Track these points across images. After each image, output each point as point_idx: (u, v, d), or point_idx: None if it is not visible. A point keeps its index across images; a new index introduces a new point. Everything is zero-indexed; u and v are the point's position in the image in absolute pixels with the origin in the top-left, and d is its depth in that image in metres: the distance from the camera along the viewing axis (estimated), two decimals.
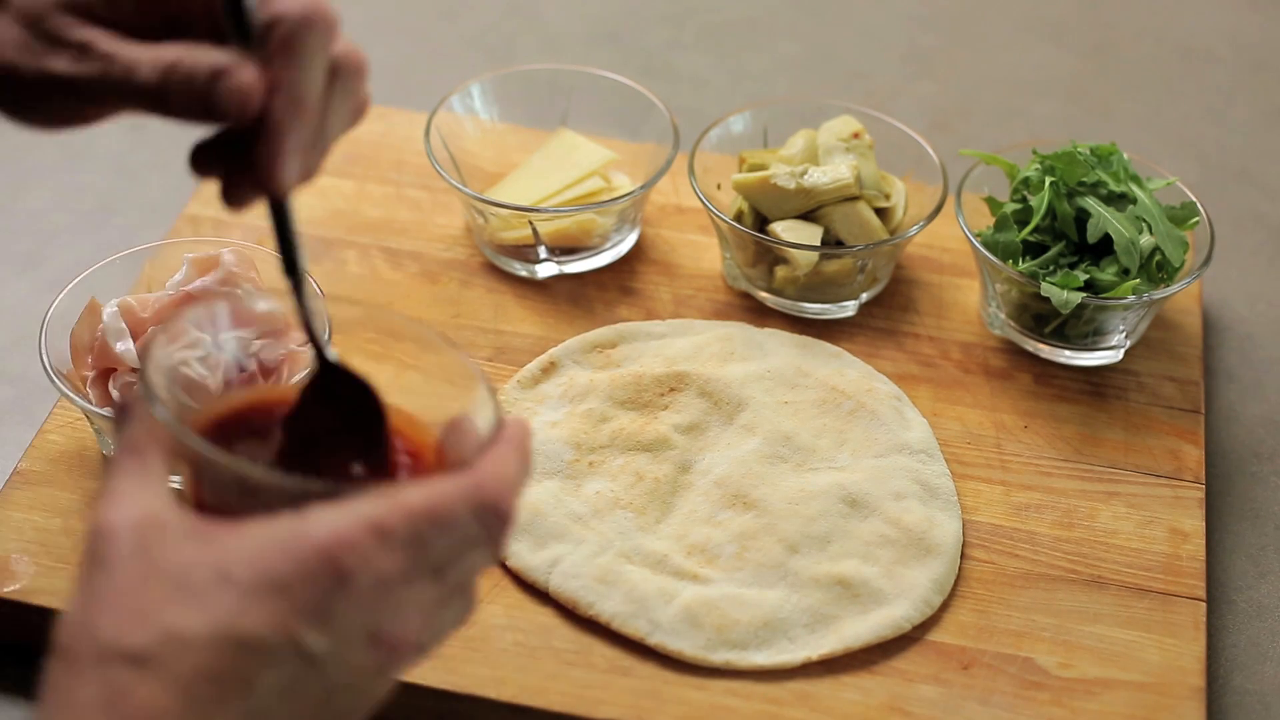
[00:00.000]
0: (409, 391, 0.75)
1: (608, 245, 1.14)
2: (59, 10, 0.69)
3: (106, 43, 0.68)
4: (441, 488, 0.65)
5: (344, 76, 0.74)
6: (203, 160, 0.71)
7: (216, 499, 0.69)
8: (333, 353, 0.74)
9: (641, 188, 1.11)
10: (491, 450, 0.69)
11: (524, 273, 1.14)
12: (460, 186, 1.11)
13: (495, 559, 0.69)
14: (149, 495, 0.65)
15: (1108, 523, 0.99)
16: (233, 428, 0.73)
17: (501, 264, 1.14)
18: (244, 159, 0.69)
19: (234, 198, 0.71)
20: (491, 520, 0.66)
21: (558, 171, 1.15)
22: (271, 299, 0.97)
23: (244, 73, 0.67)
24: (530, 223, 1.11)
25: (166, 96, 0.67)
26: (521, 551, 0.94)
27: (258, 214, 1.17)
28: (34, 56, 0.68)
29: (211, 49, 0.68)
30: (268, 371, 0.96)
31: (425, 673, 0.88)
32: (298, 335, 0.98)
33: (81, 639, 0.63)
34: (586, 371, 1.06)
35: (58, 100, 0.70)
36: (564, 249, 1.13)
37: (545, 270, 1.13)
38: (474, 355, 1.08)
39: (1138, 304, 1.04)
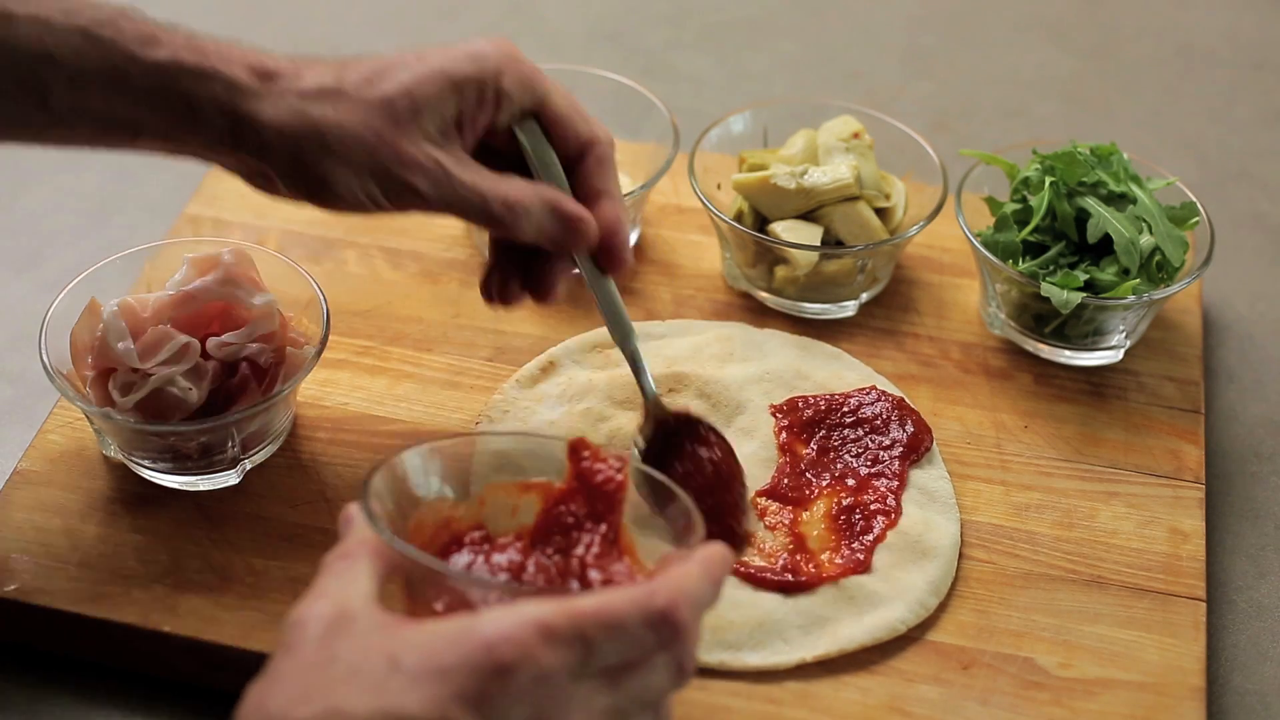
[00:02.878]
0: None
1: None
2: (420, 133, 0.85)
3: (461, 170, 0.85)
4: (614, 594, 0.70)
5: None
6: (498, 284, 0.92)
7: (421, 602, 0.75)
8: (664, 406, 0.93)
9: (641, 187, 1.11)
10: (677, 565, 0.74)
11: None
12: None
13: (679, 675, 0.72)
14: (348, 593, 0.72)
15: (1108, 523, 0.99)
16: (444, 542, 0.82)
17: None
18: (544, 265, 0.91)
19: (544, 296, 0.93)
20: (664, 630, 0.70)
21: None
22: (266, 296, 0.97)
23: (585, 217, 0.89)
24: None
25: (514, 224, 0.87)
26: None
27: (256, 214, 1.18)
28: (398, 170, 0.84)
29: (546, 187, 0.88)
30: (261, 375, 0.96)
31: None
32: (293, 337, 0.99)
33: (254, 713, 0.68)
34: (585, 371, 1.06)
35: (405, 207, 0.86)
36: None
37: None
38: (474, 355, 1.08)
39: (1138, 304, 1.04)
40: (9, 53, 0.82)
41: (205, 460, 0.96)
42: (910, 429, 1.01)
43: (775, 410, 1.02)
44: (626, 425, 1.01)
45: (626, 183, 1.16)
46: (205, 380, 0.95)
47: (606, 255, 0.91)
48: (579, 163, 0.91)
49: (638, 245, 1.17)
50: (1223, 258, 1.20)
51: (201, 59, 0.84)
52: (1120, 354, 1.09)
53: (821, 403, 1.02)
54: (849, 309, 1.12)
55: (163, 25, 0.85)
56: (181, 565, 0.94)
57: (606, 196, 0.91)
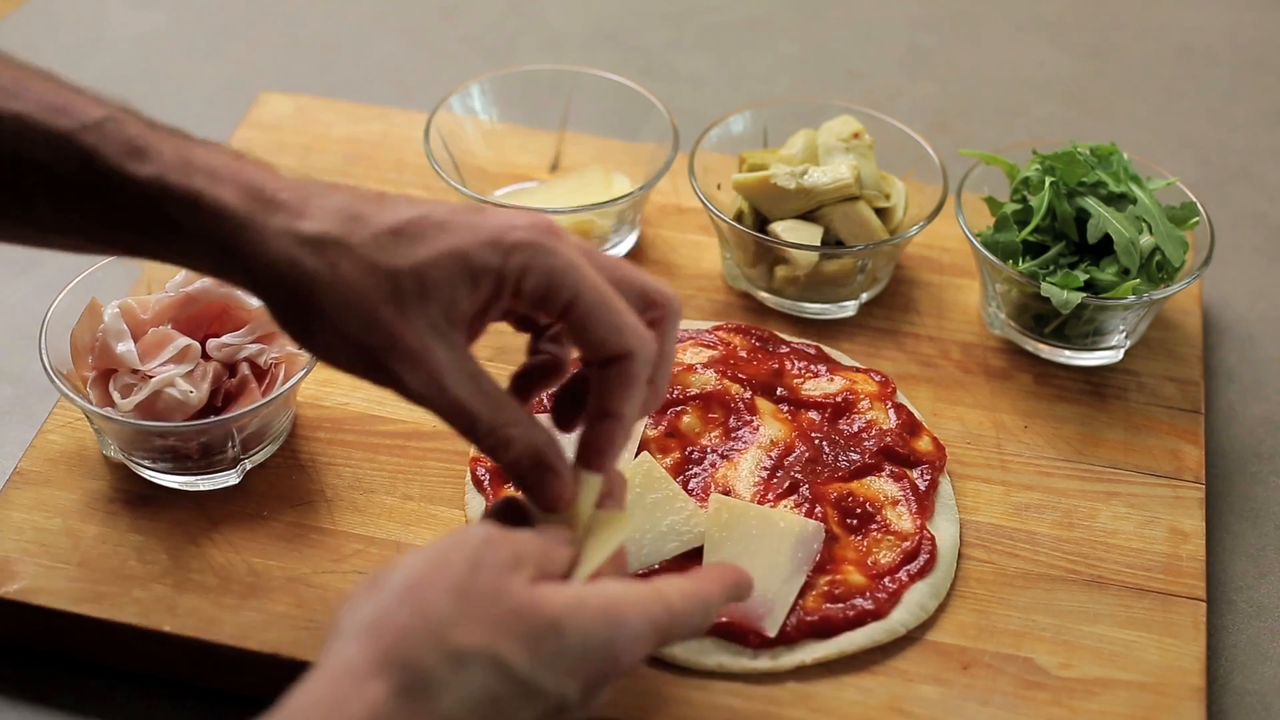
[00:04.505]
0: None
1: (607, 246, 1.14)
2: (423, 320, 0.75)
3: (456, 377, 0.76)
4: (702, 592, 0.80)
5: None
6: (563, 412, 0.85)
7: None
8: None
9: (641, 188, 1.11)
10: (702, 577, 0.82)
11: None
12: (459, 187, 1.11)
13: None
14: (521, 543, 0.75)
15: (1108, 523, 0.99)
16: None
17: None
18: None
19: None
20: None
21: (578, 196, 1.14)
22: None
23: (562, 478, 0.79)
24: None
25: (493, 454, 0.78)
26: None
27: None
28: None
29: (539, 429, 0.79)
30: (261, 375, 0.96)
31: None
32: None
33: (405, 612, 0.70)
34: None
35: (388, 389, 0.78)
36: None
37: None
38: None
39: (1138, 304, 1.04)
40: None
41: (205, 460, 0.96)
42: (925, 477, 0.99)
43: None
44: None
45: (626, 183, 1.16)
46: (205, 381, 0.95)
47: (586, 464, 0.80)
48: (603, 370, 0.78)
49: (638, 245, 1.17)
50: (1223, 258, 1.20)
51: (188, 180, 0.75)
52: (1120, 354, 1.09)
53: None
54: (849, 309, 1.12)
55: (157, 132, 0.77)
56: (181, 565, 0.94)
57: (610, 419, 0.79)
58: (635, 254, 1.16)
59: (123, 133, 0.76)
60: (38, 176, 0.76)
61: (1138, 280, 1.03)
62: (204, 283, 0.97)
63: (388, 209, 0.76)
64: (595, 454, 0.79)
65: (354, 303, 0.74)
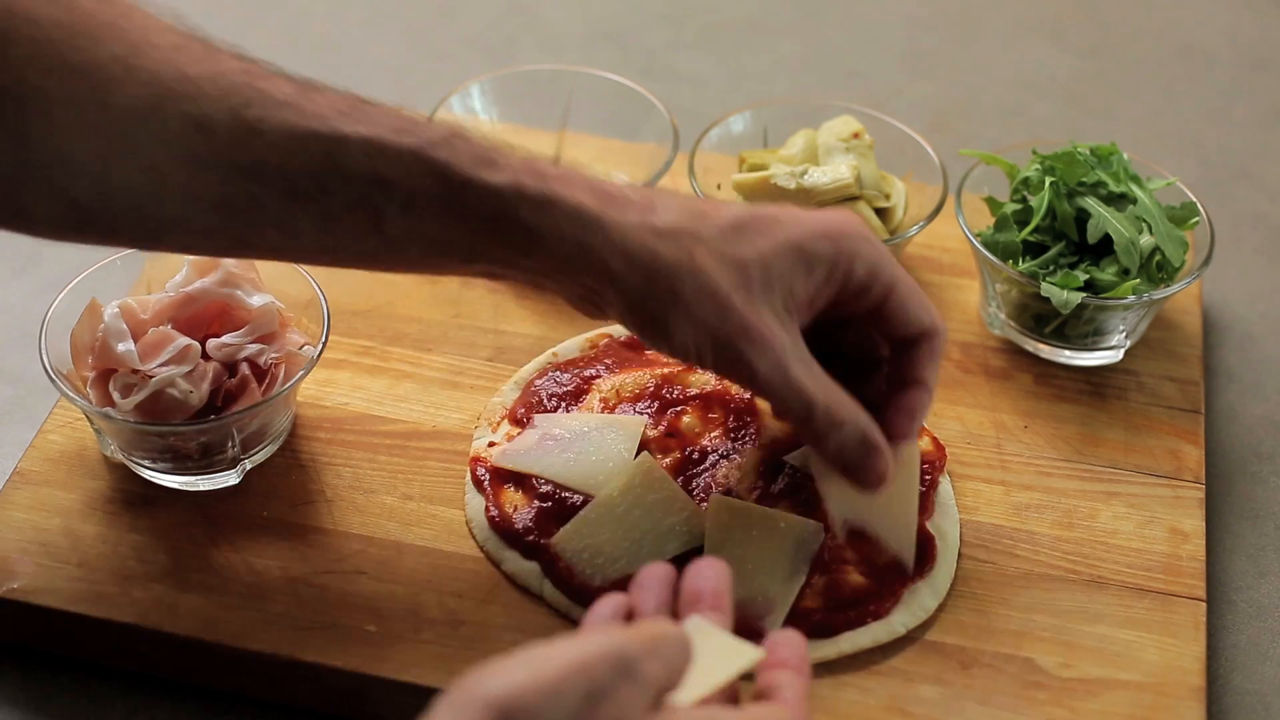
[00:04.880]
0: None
1: None
2: (769, 308, 0.81)
3: (797, 362, 0.81)
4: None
5: None
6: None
7: None
8: None
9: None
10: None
11: None
12: None
13: None
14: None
15: (1108, 523, 0.99)
16: None
17: None
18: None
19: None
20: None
21: None
22: (266, 296, 0.97)
23: (890, 466, 0.84)
24: None
25: (824, 437, 0.82)
26: (516, 557, 0.94)
27: None
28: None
29: (863, 411, 0.83)
30: (261, 375, 0.96)
31: (425, 673, 0.88)
32: (293, 337, 0.99)
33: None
34: None
35: (727, 375, 0.84)
36: None
37: None
38: (474, 355, 1.08)
39: (1138, 304, 1.04)
40: (342, 177, 0.79)
41: (205, 460, 0.96)
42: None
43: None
44: None
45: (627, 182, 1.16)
46: (206, 382, 0.95)
47: (889, 432, 0.86)
48: (908, 349, 0.86)
49: None
50: (1223, 258, 1.20)
51: (543, 184, 0.79)
52: (1120, 354, 1.09)
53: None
54: None
55: (500, 146, 0.81)
56: (181, 565, 0.94)
57: (920, 387, 0.86)
58: None
59: (471, 147, 0.80)
60: (389, 192, 0.79)
61: (1138, 280, 1.03)
62: (204, 282, 0.97)
63: (723, 208, 0.83)
64: (906, 416, 0.86)
65: (710, 289, 0.79)
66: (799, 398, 0.81)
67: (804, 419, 0.82)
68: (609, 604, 0.76)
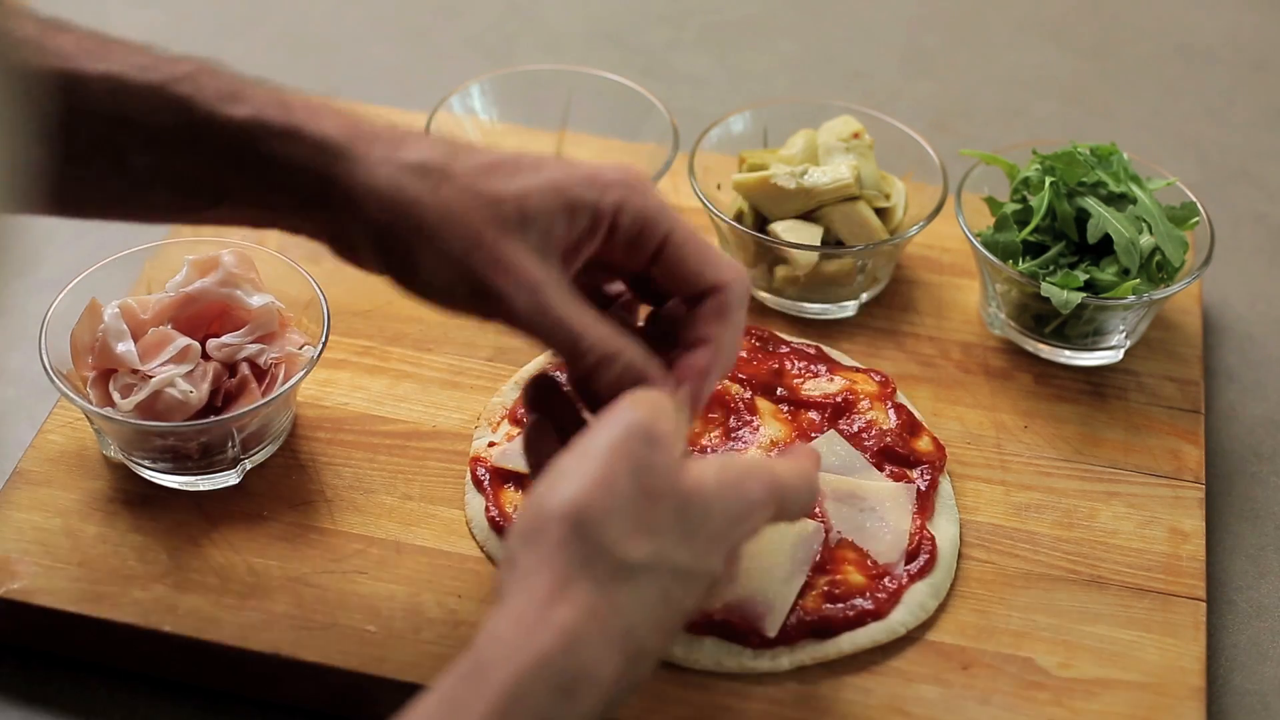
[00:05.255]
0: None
1: None
2: (523, 244, 0.77)
3: (557, 296, 0.77)
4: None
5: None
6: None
7: None
8: None
9: None
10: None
11: None
12: None
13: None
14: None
15: (1108, 523, 0.99)
16: None
17: None
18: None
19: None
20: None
21: None
22: (266, 296, 0.97)
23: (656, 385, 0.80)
24: None
25: (595, 372, 0.79)
26: None
27: None
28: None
29: (636, 346, 0.80)
30: (261, 375, 0.96)
31: (425, 673, 0.88)
32: (293, 337, 0.99)
33: (582, 525, 0.72)
34: None
35: (489, 315, 0.79)
36: None
37: None
38: (474, 355, 1.08)
39: (1138, 304, 1.04)
40: (82, 117, 0.77)
41: (205, 460, 0.96)
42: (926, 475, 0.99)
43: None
44: None
45: None
46: (206, 382, 0.95)
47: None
48: (697, 305, 0.82)
49: None
50: (1223, 258, 1.20)
51: (287, 115, 0.78)
52: (1120, 354, 1.09)
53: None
54: (849, 309, 1.12)
55: (246, 80, 0.79)
56: (181, 565, 0.94)
57: (703, 345, 0.81)
58: None
59: (217, 81, 0.78)
60: (131, 130, 0.78)
61: (1138, 280, 1.03)
62: (204, 282, 0.97)
63: (484, 150, 0.80)
64: (694, 376, 0.81)
65: (458, 223, 0.76)
66: (563, 332, 0.77)
67: (572, 355, 0.78)
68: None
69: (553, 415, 0.84)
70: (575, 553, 0.71)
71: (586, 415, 0.83)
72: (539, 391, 0.85)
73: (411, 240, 0.77)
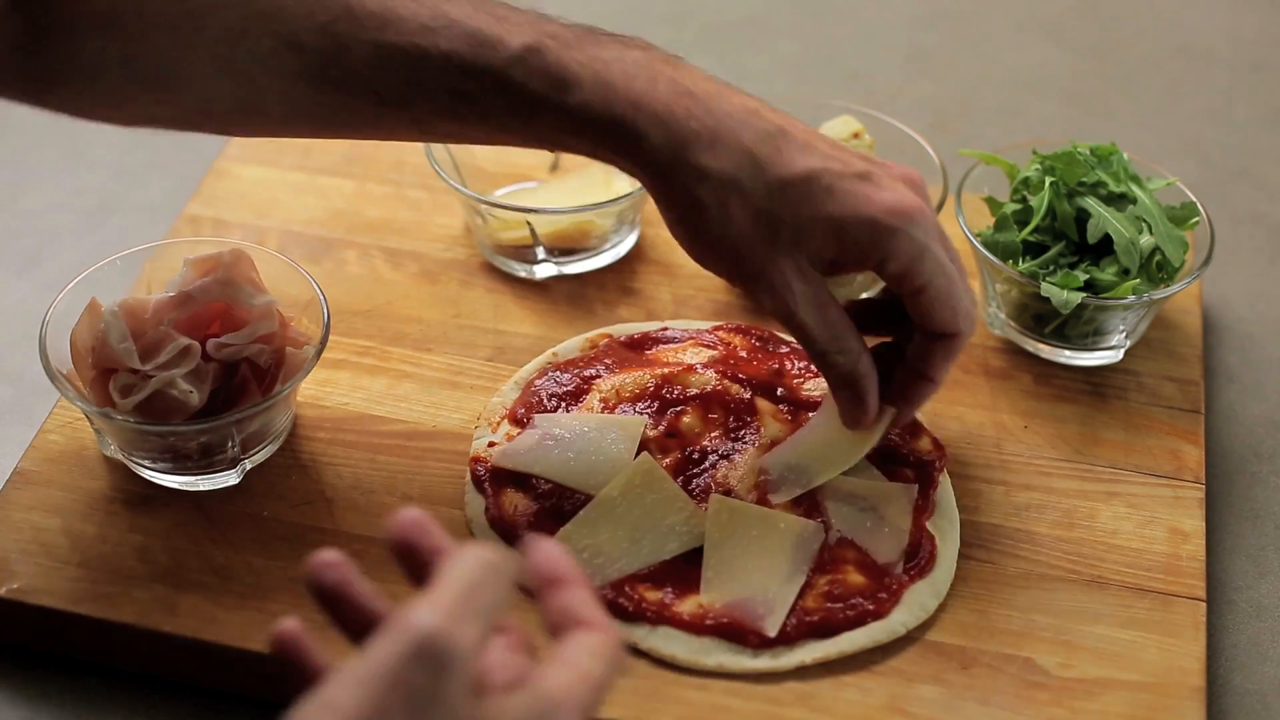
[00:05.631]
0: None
1: (607, 246, 1.14)
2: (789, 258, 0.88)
3: (809, 285, 0.88)
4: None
5: None
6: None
7: None
8: None
9: (641, 188, 1.11)
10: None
11: (523, 273, 1.14)
12: (460, 187, 1.11)
13: None
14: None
15: (1108, 523, 0.99)
16: None
17: (500, 264, 1.14)
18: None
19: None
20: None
21: (579, 196, 1.14)
22: (266, 296, 0.97)
23: (867, 418, 0.92)
24: (528, 224, 1.11)
25: (821, 367, 0.90)
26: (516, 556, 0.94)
27: (256, 215, 1.18)
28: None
29: (868, 359, 0.91)
30: (261, 375, 0.96)
31: None
32: (293, 337, 0.98)
33: None
34: None
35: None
36: (563, 250, 1.13)
37: (544, 271, 1.13)
38: (474, 355, 1.08)
39: (1138, 304, 1.04)
40: (425, 91, 0.87)
41: (205, 460, 0.96)
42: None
43: None
44: None
45: (626, 183, 1.16)
46: (206, 382, 0.95)
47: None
48: (928, 340, 0.90)
49: (638, 245, 1.17)
50: (1223, 258, 1.20)
51: (609, 110, 0.86)
52: (1120, 354, 1.09)
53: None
54: None
55: (570, 51, 0.87)
56: (181, 565, 0.94)
57: (925, 380, 0.91)
58: (635, 254, 1.16)
59: (545, 64, 0.86)
60: (471, 104, 0.87)
61: (1138, 280, 1.03)
62: (204, 282, 0.97)
63: (786, 156, 0.86)
64: (905, 402, 0.93)
65: (735, 238, 0.86)
66: (802, 334, 0.88)
67: (808, 350, 0.89)
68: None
69: (337, 614, 0.69)
70: None
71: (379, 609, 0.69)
72: (320, 589, 0.69)
73: (695, 235, 0.88)
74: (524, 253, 1.13)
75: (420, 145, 1.14)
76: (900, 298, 0.89)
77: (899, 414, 0.93)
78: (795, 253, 0.86)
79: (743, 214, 0.85)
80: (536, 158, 1.22)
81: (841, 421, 0.93)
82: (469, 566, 0.64)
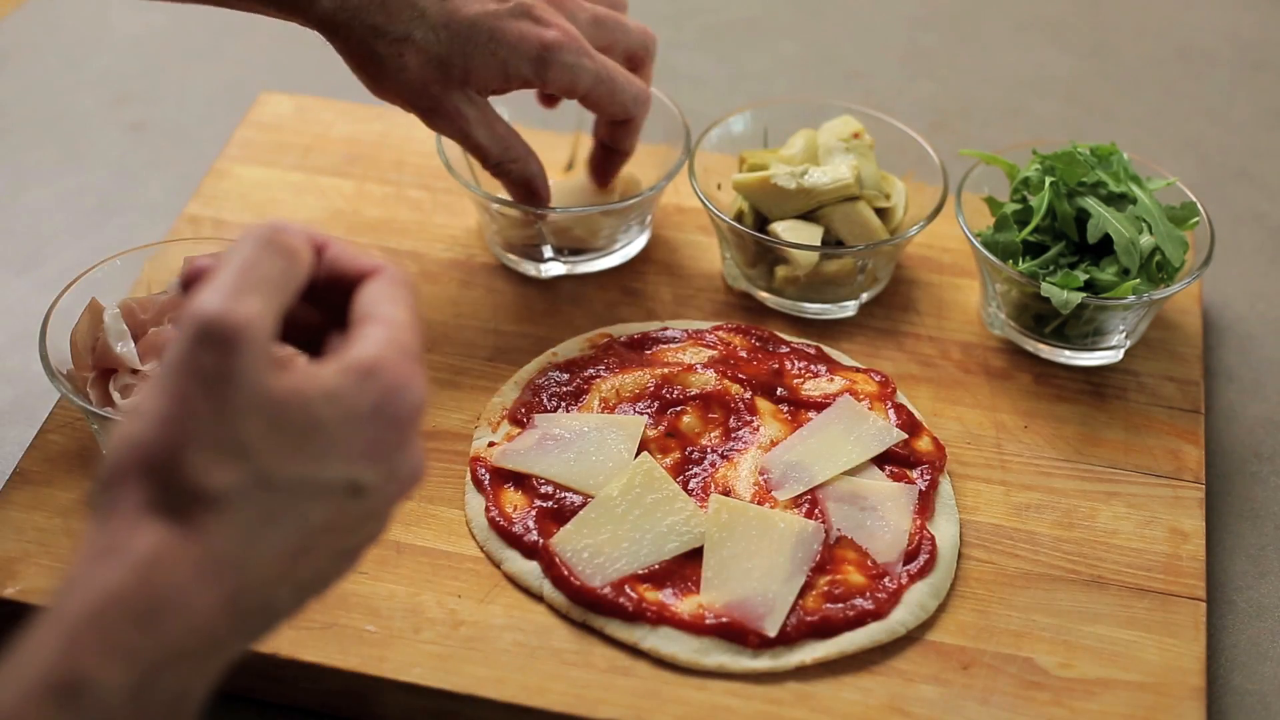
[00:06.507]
0: None
1: (617, 246, 1.14)
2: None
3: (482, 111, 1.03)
4: None
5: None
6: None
7: None
8: None
9: (653, 189, 1.11)
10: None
11: (532, 272, 1.14)
12: (472, 186, 1.10)
13: None
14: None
15: (1108, 523, 0.99)
16: None
17: (510, 263, 1.14)
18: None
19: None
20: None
21: (591, 196, 1.14)
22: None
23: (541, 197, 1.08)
24: (535, 223, 1.11)
25: (500, 176, 1.07)
26: (516, 557, 0.94)
27: (256, 214, 1.18)
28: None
29: (534, 156, 1.07)
30: None
31: (425, 673, 0.88)
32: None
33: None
34: None
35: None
36: (573, 249, 1.13)
37: (551, 270, 1.13)
38: (474, 355, 1.08)
39: (1138, 304, 1.04)
40: None
41: None
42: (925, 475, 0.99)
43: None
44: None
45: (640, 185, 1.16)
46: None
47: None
48: (613, 128, 1.08)
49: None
50: (1223, 258, 1.20)
51: None
52: (1120, 354, 1.09)
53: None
54: (849, 309, 1.12)
55: None
56: None
57: (617, 155, 1.10)
58: (638, 255, 1.16)
59: None
60: None
61: (1138, 280, 1.03)
62: None
63: (452, 5, 0.99)
64: (602, 174, 1.11)
65: (410, 81, 1.00)
66: (476, 150, 1.04)
67: (484, 164, 1.05)
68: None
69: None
70: (148, 494, 0.63)
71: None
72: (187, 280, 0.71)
73: (375, 78, 1.02)
74: (533, 251, 1.13)
75: (424, 145, 1.13)
76: None
77: (602, 184, 1.11)
78: (465, 86, 1.01)
79: (416, 61, 0.99)
80: (550, 157, 1.22)
81: (532, 206, 1.07)
82: (243, 245, 0.66)
